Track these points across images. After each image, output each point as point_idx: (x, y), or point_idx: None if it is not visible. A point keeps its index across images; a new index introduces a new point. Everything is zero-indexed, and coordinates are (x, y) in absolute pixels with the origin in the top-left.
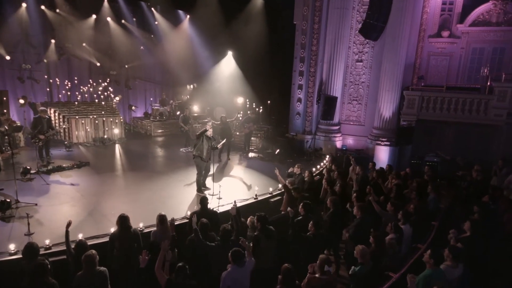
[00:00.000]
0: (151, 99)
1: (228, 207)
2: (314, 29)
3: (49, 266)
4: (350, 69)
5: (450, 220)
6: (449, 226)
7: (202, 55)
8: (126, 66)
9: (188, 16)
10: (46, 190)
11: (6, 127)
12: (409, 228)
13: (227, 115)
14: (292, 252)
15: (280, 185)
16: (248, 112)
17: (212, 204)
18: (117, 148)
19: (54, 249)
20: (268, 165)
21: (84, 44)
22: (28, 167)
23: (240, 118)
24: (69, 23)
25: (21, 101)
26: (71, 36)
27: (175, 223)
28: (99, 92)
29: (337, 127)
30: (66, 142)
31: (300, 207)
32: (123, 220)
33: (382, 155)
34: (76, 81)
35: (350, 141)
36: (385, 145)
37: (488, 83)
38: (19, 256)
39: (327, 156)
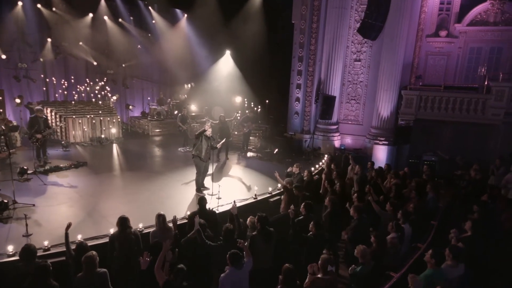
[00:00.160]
0: (149, 98)
1: (227, 207)
2: (313, 28)
3: (51, 268)
4: (348, 69)
5: (449, 219)
6: (448, 225)
7: (200, 54)
8: (123, 65)
9: (185, 15)
10: (44, 191)
11: (3, 127)
12: (408, 228)
13: (225, 115)
14: (292, 252)
15: (279, 185)
16: (247, 111)
17: (212, 204)
18: (115, 147)
19: (53, 251)
20: (267, 164)
21: (80, 43)
22: (25, 167)
23: (239, 118)
24: (66, 21)
25: (17, 100)
26: (68, 35)
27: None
28: (96, 92)
29: (335, 127)
30: (63, 142)
31: (301, 207)
32: (123, 222)
33: (380, 154)
34: (72, 80)
35: (348, 140)
36: (383, 144)
37: (486, 83)
38: (17, 257)
39: (326, 156)
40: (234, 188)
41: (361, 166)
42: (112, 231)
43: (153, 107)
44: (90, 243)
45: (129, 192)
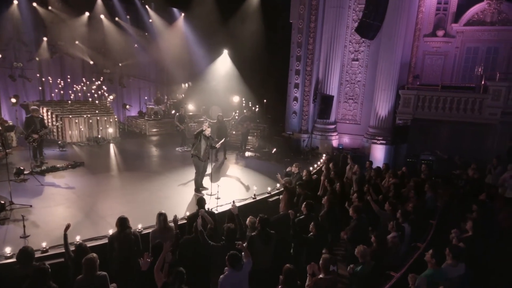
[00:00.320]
0: (146, 98)
1: (226, 207)
2: (311, 27)
3: (49, 270)
4: (346, 68)
5: (447, 218)
6: (446, 225)
7: (197, 54)
8: (120, 64)
9: (182, 14)
10: (41, 191)
11: None
12: (408, 227)
13: (223, 114)
14: (292, 252)
15: (278, 185)
16: (244, 111)
17: (211, 204)
18: (112, 147)
19: (51, 252)
20: (265, 164)
21: (77, 42)
22: (22, 168)
23: (236, 117)
24: (62, 20)
25: (13, 100)
26: (64, 33)
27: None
28: (93, 91)
29: (333, 126)
30: (59, 142)
31: (302, 206)
32: (122, 222)
33: (378, 153)
34: (69, 80)
35: (346, 140)
36: (381, 143)
37: (483, 82)
38: (15, 259)
39: (324, 155)
40: (232, 188)
41: (359, 166)
42: (111, 231)
43: (150, 106)
44: (88, 244)
45: (127, 192)
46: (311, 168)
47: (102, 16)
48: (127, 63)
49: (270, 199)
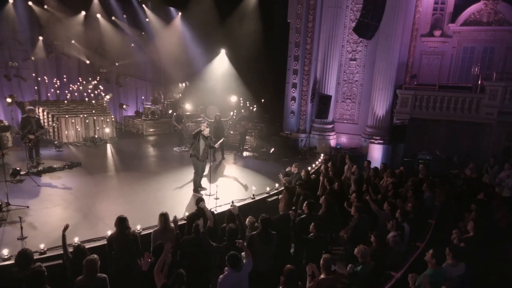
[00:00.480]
0: (143, 97)
1: (225, 208)
2: (308, 27)
3: (46, 273)
4: (343, 68)
5: (446, 217)
6: (445, 224)
7: (195, 53)
8: (117, 64)
9: (179, 13)
10: (38, 192)
11: None
12: (407, 227)
13: (220, 114)
14: (293, 253)
15: (277, 185)
16: (242, 110)
17: (210, 205)
18: (109, 147)
19: (49, 254)
20: (263, 164)
21: (73, 42)
22: (18, 168)
23: (234, 117)
24: (58, 19)
25: (8, 100)
26: (60, 33)
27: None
28: (89, 91)
29: (331, 126)
30: (56, 142)
31: (304, 205)
32: (121, 222)
33: (376, 153)
34: (65, 79)
35: (344, 139)
36: (379, 143)
37: (479, 82)
38: (13, 261)
39: (322, 155)
40: (231, 188)
41: (357, 166)
42: (109, 232)
43: (147, 106)
44: (87, 246)
45: (125, 193)
46: (309, 168)
47: (98, 15)
48: (124, 62)
49: (269, 199)
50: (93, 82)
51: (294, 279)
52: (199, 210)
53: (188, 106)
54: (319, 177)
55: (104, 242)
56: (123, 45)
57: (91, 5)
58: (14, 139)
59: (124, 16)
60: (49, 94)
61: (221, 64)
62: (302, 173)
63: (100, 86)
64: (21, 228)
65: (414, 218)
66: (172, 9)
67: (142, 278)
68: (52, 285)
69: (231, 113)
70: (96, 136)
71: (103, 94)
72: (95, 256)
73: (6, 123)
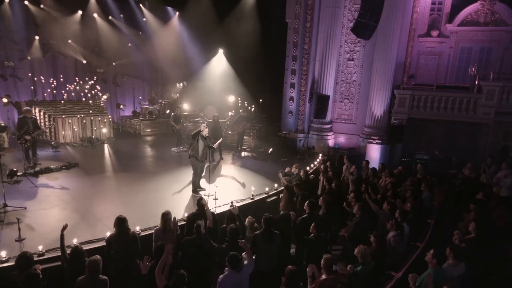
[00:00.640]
0: (140, 97)
1: (225, 208)
2: (306, 27)
3: (41, 276)
4: (341, 68)
5: (444, 217)
6: (443, 224)
7: (192, 53)
8: (114, 63)
9: (177, 13)
10: (35, 193)
11: None
12: (406, 227)
13: (218, 114)
14: (294, 253)
15: (276, 185)
16: (240, 110)
17: (209, 205)
18: (106, 148)
19: (48, 255)
20: (262, 164)
21: (69, 41)
22: (15, 169)
23: (232, 117)
24: (54, 19)
25: (4, 100)
26: (56, 32)
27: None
28: (86, 91)
29: (329, 126)
30: (52, 143)
31: (305, 205)
32: (121, 222)
33: (374, 153)
34: (61, 79)
35: (342, 139)
36: (377, 143)
37: (476, 82)
38: (11, 263)
39: (320, 155)
40: (230, 188)
41: (355, 165)
42: (108, 234)
43: (145, 106)
44: (86, 247)
45: (123, 193)
46: (308, 168)
47: (95, 15)
48: (121, 62)
49: (268, 200)
50: (90, 82)
51: (296, 280)
52: (199, 210)
53: (186, 106)
54: (317, 177)
55: (103, 243)
56: (120, 45)
57: (87, 4)
58: (10, 139)
59: (121, 15)
60: (45, 94)
61: (219, 64)
62: (301, 173)
63: (97, 86)
64: (19, 229)
65: (413, 218)
66: (169, 8)
67: (141, 280)
68: (52, 287)
69: (230, 113)
70: (93, 136)
71: (100, 94)
72: (98, 257)
73: (3, 124)
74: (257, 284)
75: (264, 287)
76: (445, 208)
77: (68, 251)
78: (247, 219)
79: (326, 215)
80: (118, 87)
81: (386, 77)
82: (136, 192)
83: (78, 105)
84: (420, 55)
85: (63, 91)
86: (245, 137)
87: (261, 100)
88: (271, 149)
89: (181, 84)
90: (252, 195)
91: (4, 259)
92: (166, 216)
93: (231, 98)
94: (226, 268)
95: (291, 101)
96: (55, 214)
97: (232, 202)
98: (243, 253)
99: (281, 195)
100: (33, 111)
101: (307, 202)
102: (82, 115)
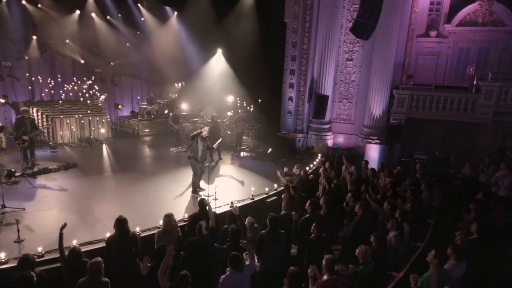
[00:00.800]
0: (138, 97)
1: (225, 208)
2: (305, 27)
3: (34, 278)
4: (340, 68)
5: (444, 217)
6: (443, 223)
7: (191, 53)
8: (112, 63)
9: (175, 13)
10: (33, 194)
11: None
12: (406, 227)
13: (217, 114)
14: (295, 253)
15: (275, 185)
16: (239, 111)
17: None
18: (105, 148)
19: (47, 257)
20: (261, 164)
21: (67, 41)
22: (13, 170)
23: (231, 117)
24: (52, 18)
25: (2, 100)
26: (54, 32)
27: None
28: (84, 91)
29: (328, 126)
30: (50, 143)
31: (307, 204)
32: (121, 223)
33: (373, 153)
34: (59, 79)
35: (340, 139)
36: (375, 143)
37: (474, 82)
38: (10, 265)
39: (319, 155)
40: (230, 188)
41: (355, 166)
42: (108, 235)
43: (143, 106)
44: (85, 248)
45: (122, 194)
46: (307, 168)
47: (93, 15)
48: (119, 62)
49: (268, 200)
50: (88, 82)
51: (298, 281)
52: (201, 211)
53: (184, 106)
54: (317, 177)
55: (102, 244)
56: (118, 45)
57: (85, 4)
58: (8, 140)
59: (119, 15)
60: (43, 94)
61: (217, 64)
62: (301, 173)
63: (95, 86)
64: (18, 230)
65: (413, 218)
66: (167, 8)
67: (141, 281)
68: None
69: (229, 113)
70: (91, 136)
71: (98, 94)
72: (99, 259)
73: (0, 124)
74: (264, 284)
75: (271, 287)
76: (444, 208)
77: (66, 252)
78: (247, 220)
79: (327, 215)
80: (116, 87)
81: (385, 77)
82: (136, 192)
83: (76, 105)
84: (419, 55)
85: (61, 91)
86: (244, 137)
87: (260, 100)
88: (270, 149)
89: (180, 84)
90: (252, 196)
91: (3, 260)
92: (168, 217)
93: (230, 98)
94: (228, 269)
95: (290, 101)
96: (54, 215)
97: (232, 203)
98: (244, 253)
99: (283, 195)
100: (31, 111)
101: (308, 202)
102: (80, 115)
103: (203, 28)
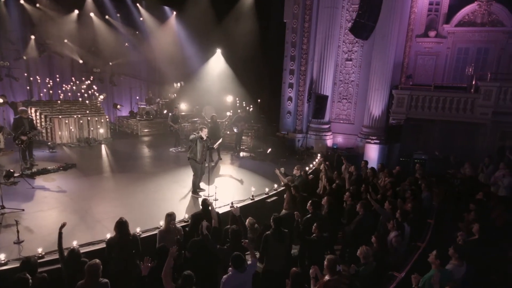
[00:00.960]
0: (137, 97)
1: (225, 209)
2: (305, 27)
3: (30, 281)
4: (340, 68)
5: (443, 217)
6: (443, 224)
7: (190, 53)
8: (111, 63)
9: (174, 13)
10: (33, 195)
11: None
12: (407, 227)
13: (216, 114)
14: (296, 253)
15: (275, 185)
16: (239, 111)
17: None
18: (104, 148)
19: (47, 258)
20: (261, 164)
21: (66, 41)
22: (12, 170)
23: (231, 117)
24: (50, 18)
25: (0, 100)
26: (52, 32)
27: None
28: (83, 91)
29: (327, 126)
30: (49, 143)
31: (308, 204)
32: (121, 226)
33: (372, 153)
34: (58, 79)
35: (340, 139)
36: (375, 143)
37: (473, 82)
38: (9, 266)
39: (319, 155)
40: (229, 189)
41: (355, 166)
42: (108, 235)
43: (142, 106)
44: (86, 249)
45: (122, 194)
46: (307, 168)
47: (92, 14)
48: (118, 62)
49: (268, 200)
50: (86, 82)
51: (301, 282)
52: (204, 210)
53: (183, 106)
54: (317, 178)
55: (103, 245)
56: (117, 44)
57: (84, 3)
58: (6, 140)
59: (118, 15)
60: (41, 94)
61: (217, 64)
62: (302, 174)
63: (94, 86)
64: (18, 231)
65: (413, 218)
66: (166, 8)
67: (141, 281)
68: None
69: (228, 113)
70: (90, 136)
71: (97, 94)
72: (97, 260)
73: None
74: (266, 283)
75: (273, 286)
76: (444, 208)
77: (66, 253)
78: (247, 220)
79: (328, 215)
80: (115, 87)
81: (384, 77)
82: (135, 193)
83: (74, 105)
84: (418, 55)
85: (59, 91)
86: (243, 137)
87: (259, 100)
88: (269, 149)
89: (179, 84)
90: (252, 196)
91: (3, 262)
92: (170, 216)
93: (229, 98)
94: (230, 269)
95: (289, 101)
96: (53, 216)
97: (232, 203)
98: (246, 253)
99: (285, 195)
100: (29, 112)
101: (310, 202)
102: (79, 115)
103: (202, 28)
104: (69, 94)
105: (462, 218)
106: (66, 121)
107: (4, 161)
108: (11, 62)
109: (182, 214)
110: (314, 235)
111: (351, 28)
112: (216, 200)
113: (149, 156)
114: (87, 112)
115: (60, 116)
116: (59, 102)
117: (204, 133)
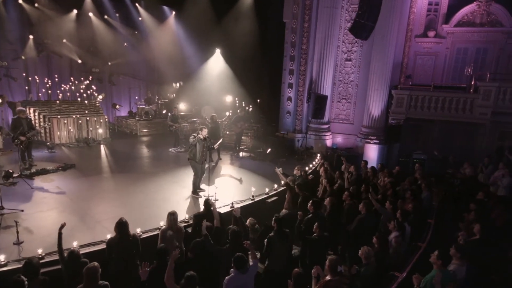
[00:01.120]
0: (136, 97)
1: (225, 209)
2: (304, 27)
3: (26, 282)
4: (339, 68)
5: (443, 217)
6: (443, 223)
7: (189, 53)
8: (109, 63)
9: (173, 13)
10: (32, 195)
11: None
12: (408, 227)
13: (216, 114)
14: (297, 253)
15: (275, 185)
16: (238, 111)
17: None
18: (103, 148)
19: (47, 259)
20: (260, 164)
21: (64, 41)
22: (11, 171)
23: (230, 116)
24: (49, 18)
25: None
26: (51, 31)
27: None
28: (81, 91)
29: (327, 126)
30: (48, 143)
31: (309, 204)
32: (121, 226)
33: (371, 153)
34: (56, 79)
35: (339, 139)
36: (374, 143)
37: (472, 82)
38: (9, 267)
39: (318, 155)
40: (229, 189)
41: (354, 166)
42: (108, 236)
43: (141, 106)
44: (86, 250)
45: (122, 195)
46: (306, 168)
47: (90, 14)
48: (117, 62)
49: (268, 200)
50: (85, 82)
51: (302, 283)
52: (206, 210)
53: (182, 106)
54: (316, 178)
55: (103, 246)
56: (115, 44)
57: (83, 3)
58: (4, 140)
59: (117, 14)
60: (40, 94)
61: (216, 64)
62: (302, 174)
63: (93, 86)
64: (17, 232)
65: (413, 218)
66: (165, 8)
67: (141, 284)
68: None
69: (227, 113)
70: (89, 137)
71: (96, 94)
72: (96, 264)
73: None
74: (268, 283)
75: (275, 286)
76: (444, 208)
77: (65, 253)
78: (248, 221)
79: (329, 215)
80: (114, 87)
81: (383, 77)
82: (135, 193)
83: (73, 105)
84: (417, 56)
85: (58, 91)
86: (243, 137)
87: (258, 100)
88: (269, 150)
89: (178, 84)
90: (252, 196)
91: (3, 263)
92: (172, 215)
93: (229, 98)
94: (232, 270)
95: (289, 101)
96: (52, 216)
97: (232, 203)
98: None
99: (286, 195)
100: (28, 112)
101: (310, 201)
102: (78, 115)
103: (201, 27)
104: (68, 94)
105: (462, 218)
106: (65, 121)
107: (3, 161)
108: (10, 62)
109: (182, 214)
110: (315, 234)
111: (351, 28)
112: (216, 200)
113: (148, 156)
114: (86, 112)
115: (59, 116)
116: (57, 102)
117: (203, 134)
